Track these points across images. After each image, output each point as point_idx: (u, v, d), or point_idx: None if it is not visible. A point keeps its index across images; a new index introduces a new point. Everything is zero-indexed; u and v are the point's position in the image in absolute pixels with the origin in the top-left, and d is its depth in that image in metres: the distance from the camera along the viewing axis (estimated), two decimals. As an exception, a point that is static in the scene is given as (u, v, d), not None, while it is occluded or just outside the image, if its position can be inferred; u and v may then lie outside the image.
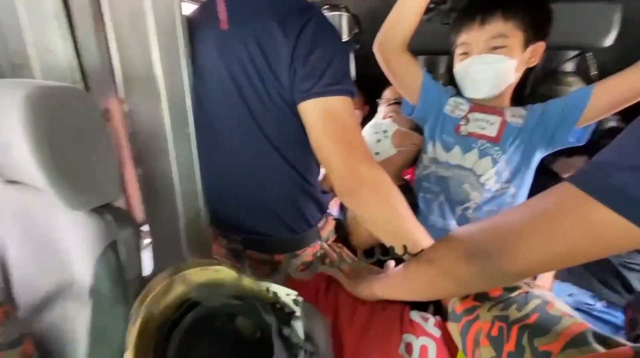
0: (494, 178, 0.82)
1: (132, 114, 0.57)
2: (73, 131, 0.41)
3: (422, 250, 0.53)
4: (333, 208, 0.91)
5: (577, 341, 0.39)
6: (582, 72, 1.24)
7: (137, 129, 0.57)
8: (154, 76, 0.51)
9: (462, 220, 0.84)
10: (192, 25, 0.64)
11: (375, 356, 0.57)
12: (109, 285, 0.44)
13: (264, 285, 0.54)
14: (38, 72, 0.62)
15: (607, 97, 0.71)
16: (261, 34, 0.57)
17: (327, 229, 0.78)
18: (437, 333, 0.58)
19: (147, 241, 0.68)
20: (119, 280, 0.45)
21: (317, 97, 0.57)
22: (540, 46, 0.78)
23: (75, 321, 0.45)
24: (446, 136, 0.85)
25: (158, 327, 0.46)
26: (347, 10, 1.47)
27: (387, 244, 0.61)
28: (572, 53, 1.24)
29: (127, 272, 0.45)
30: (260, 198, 0.69)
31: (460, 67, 0.81)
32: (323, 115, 0.57)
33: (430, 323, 0.60)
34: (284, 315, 0.52)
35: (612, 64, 1.09)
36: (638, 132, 0.31)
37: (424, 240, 0.60)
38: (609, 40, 1.10)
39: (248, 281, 0.54)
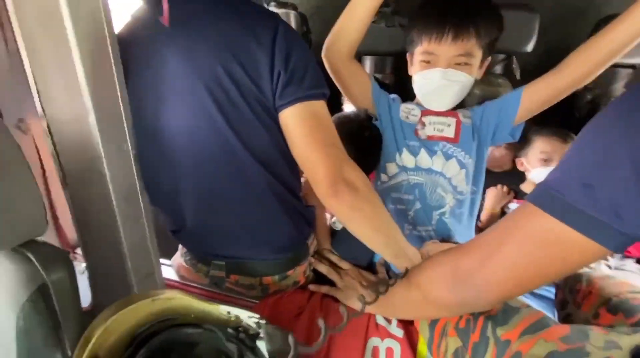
0: (464, 180, 0.84)
1: (54, 131, 0.49)
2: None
3: (407, 270, 0.56)
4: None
5: (533, 327, 0.44)
6: (509, 74, 1.37)
7: (61, 147, 0.50)
8: (77, 86, 0.45)
9: (440, 225, 0.85)
10: (145, 35, 0.59)
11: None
12: (39, 334, 0.38)
13: (224, 308, 0.51)
14: None
15: (534, 98, 0.80)
16: (234, 45, 0.55)
17: (314, 243, 0.77)
18: (399, 333, 0.61)
19: (83, 266, 0.61)
20: (52, 327, 0.39)
21: (301, 102, 0.56)
22: (487, 61, 0.82)
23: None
24: (410, 140, 0.86)
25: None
26: (294, 9, 1.45)
27: (376, 249, 0.64)
28: (501, 57, 1.37)
29: (62, 316, 0.40)
30: (245, 219, 0.65)
31: (423, 77, 0.80)
32: (307, 119, 0.57)
33: (393, 324, 0.62)
34: (248, 337, 0.50)
35: (533, 67, 1.22)
36: (583, 151, 0.35)
37: (408, 245, 0.63)
38: (530, 46, 1.23)
39: (207, 307, 0.51)
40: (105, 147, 0.49)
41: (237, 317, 0.51)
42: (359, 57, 1.55)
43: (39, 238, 0.43)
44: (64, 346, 0.40)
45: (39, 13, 0.43)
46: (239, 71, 0.55)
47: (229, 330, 0.50)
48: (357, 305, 0.65)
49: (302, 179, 0.74)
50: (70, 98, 0.47)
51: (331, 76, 0.81)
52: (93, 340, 0.40)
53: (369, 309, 0.64)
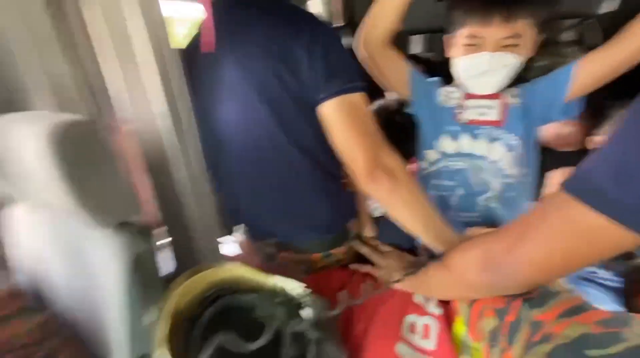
0: (512, 163, 0.80)
1: (139, 131, 0.61)
2: (90, 159, 0.46)
3: (443, 253, 0.57)
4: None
5: (570, 311, 0.43)
6: (584, 41, 1.20)
7: (143, 143, 0.61)
8: (149, 99, 0.55)
9: (486, 211, 0.82)
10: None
11: (381, 341, 0.62)
12: (136, 292, 0.50)
13: (275, 279, 0.59)
14: (47, 94, 0.67)
15: (590, 72, 0.71)
16: (279, 51, 0.60)
17: (356, 227, 0.82)
18: (437, 311, 0.63)
19: (167, 240, 0.74)
20: (145, 286, 0.51)
21: (339, 96, 0.61)
22: (539, 39, 0.74)
23: (110, 325, 0.52)
24: (449, 125, 0.83)
25: (184, 321, 0.52)
26: (340, -7, 1.44)
27: (415, 233, 0.65)
28: (571, 22, 1.20)
29: (150, 279, 0.51)
30: (289, 203, 0.73)
31: (468, 62, 0.75)
32: (345, 110, 0.61)
33: (431, 303, 0.65)
34: (294, 306, 0.57)
35: (617, 30, 1.05)
36: (622, 138, 0.33)
37: (448, 229, 0.64)
38: (613, 5, 1.06)
39: (260, 277, 0.60)
40: (177, 143, 0.60)
41: (285, 287, 0.58)
42: (404, 37, 1.49)
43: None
44: (153, 300, 0.52)
45: (120, 44, 0.54)
46: (284, 74, 0.61)
47: (279, 298, 0.58)
48: (397, 284, 0.69)
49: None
50: (149, 104, 0.57)
51: (365, 64, 0.81)
52: (175, 295, 0.51)
53: (407, 288, 0.67)
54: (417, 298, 0.66)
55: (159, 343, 0.47)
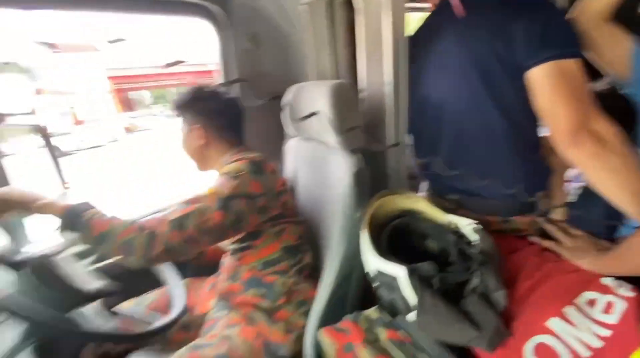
0: None
1: (366, 99, 0.88)
2: (347, 107, 0.76)
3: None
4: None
5: None
6: None
7: (369, 104, 0.88)
8: (382, 73, 0.80)
9: None
10: (434, 29, 0.82)
11: (547, 300, 0.62)
12: (354, 194, 0.76)
13: (449, 217, 0.71)
14: (314, 77, 1.07)
15: None
16: (498, 28, 0.68)
17: (545, 204, 0.81)
18: (629, 293, 0.58)
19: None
20: (359, 192, 0.76)
21: (549, 61, 0.62)
22: None
23: (334, 214, 0.81)
24: None
25: (378, 225, 0.74)
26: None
27: (619, 204, 0.61)
28: None
29: (363, 188, 0.77)
30: (484, 161, 0.78)
31: None
32: (554, 74, 0.62)
33: (624, 287, 0.60)
34: (464, 242, 0.67)
35: None
36: None
37: None
38: None
39: (437, 213, 0.74)
40: (392, 106, 0.83)
41: (457, 224, 0.70)
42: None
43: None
44: (363, 202, 0.76)
45: (373, 42, 0.81)
46: (500, 47, 0.66)
47: (451, 232, 0.70)
48: (585, 264, 0.66)
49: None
50: (381, 76, 0.82)
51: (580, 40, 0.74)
52: (374, 205, 0.74)
53: (594, 267, 0.64)
54: (605, 281, 0.62)
55: (363, 230, 0.70)
